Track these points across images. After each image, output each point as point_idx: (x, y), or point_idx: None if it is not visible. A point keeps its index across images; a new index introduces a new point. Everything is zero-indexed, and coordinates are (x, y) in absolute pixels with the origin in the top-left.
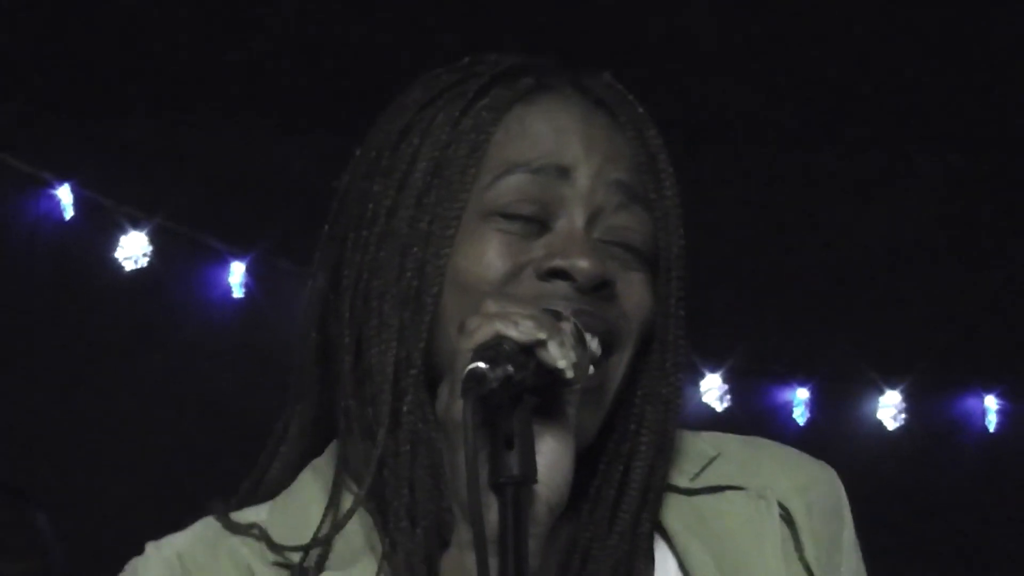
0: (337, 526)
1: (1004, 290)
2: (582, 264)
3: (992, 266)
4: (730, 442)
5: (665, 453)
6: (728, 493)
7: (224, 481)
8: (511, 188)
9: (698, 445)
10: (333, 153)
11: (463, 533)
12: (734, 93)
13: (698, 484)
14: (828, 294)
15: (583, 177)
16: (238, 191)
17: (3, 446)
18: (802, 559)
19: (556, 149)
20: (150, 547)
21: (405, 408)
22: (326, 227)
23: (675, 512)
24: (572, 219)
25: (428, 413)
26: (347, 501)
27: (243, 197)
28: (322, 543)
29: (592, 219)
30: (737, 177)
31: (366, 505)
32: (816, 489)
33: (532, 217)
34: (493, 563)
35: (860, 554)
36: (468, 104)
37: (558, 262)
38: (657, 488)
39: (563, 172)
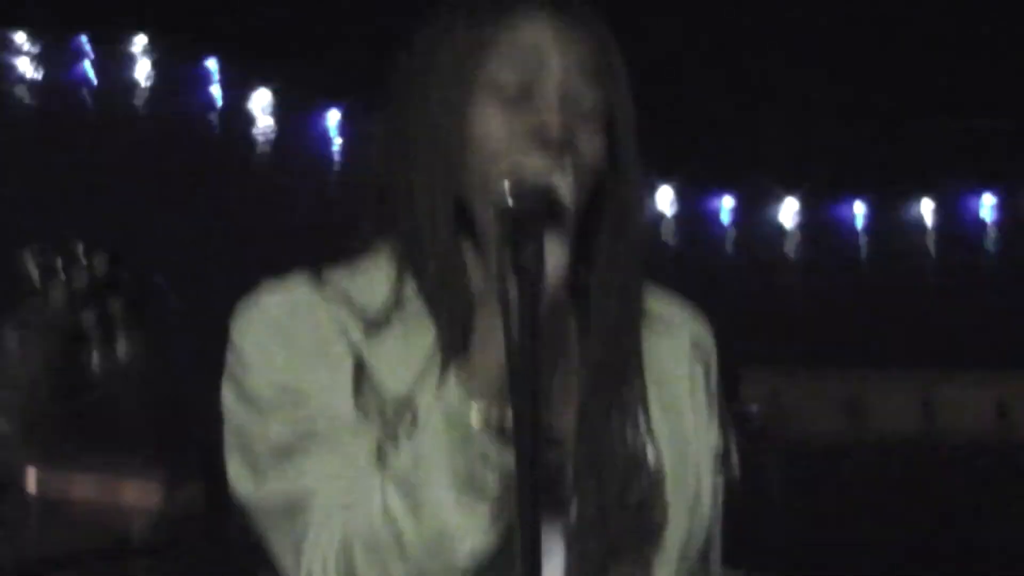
0: (405, 299)
1: (880, 120)
2: (556, 134)
3: (874, 100)
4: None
5: (639, 243)
6: (658, 327)
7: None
8: (502, 69)
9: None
10: (402, 37)
11: (493, 304)
12: None
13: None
14: (749, 128)
15: (553, 61)
16: (334, 61)
17: (156, 248)
18: (707, 387)
19: (536, 44)
20: (266, 285)
21: (441, 220)
22: (385, 103)
23: None
24: (547, 92)
25: (457, 229)
26: (406, 284)
27: (339, 66)
28: (391, 308)
29: (560, 92)
30: (686, 29)
31: (422, 289)
32: (706, 333)
33: (519, 91)
34: (514, 325)
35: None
36: (474, 18)
37: (537, 124)
38: (637, 278)
39: (538, 57)
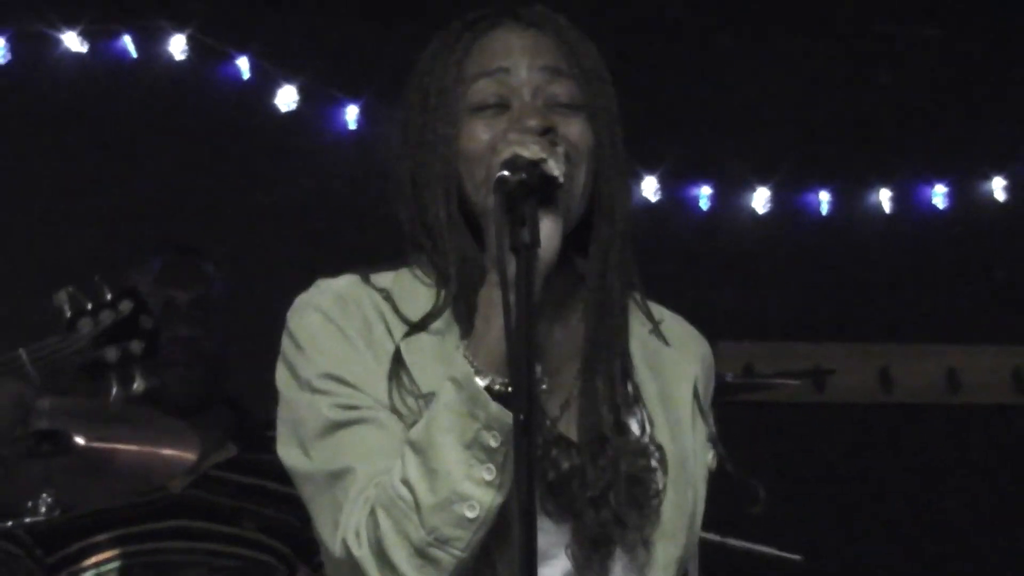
0: (442, 308)
1: (840, 114)
2: (531, 123)
3: (837, 98)
4: (665, 313)
5: (628, 229)
6: (670, 350)
7: (339, 243)
8: (479, 90)
9: (654, 309)
10: (420, 39)
11: (492, 277)
12: None
13: (653, 333)
14: (725, 118)
15: (522, 71)
16: (355, 59)
17: (194, 226)
18: (701, 408)
19: (502, 58)
20: (321, 282)
21: (449, 225)
22: (396, 129)
23: (635, 344)
24: (521, 98)
25: (465, 232)
26: (443, 292)
27: (358, 64)
28: (434, 315)
29: (534, 95)
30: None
31: (449, 293)
32: (708, 360)
33: (497, 104)
34: (511, 297)
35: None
36: (453, 52)
37: (518, 127)
38: (627, 261)
39: (507, 71)
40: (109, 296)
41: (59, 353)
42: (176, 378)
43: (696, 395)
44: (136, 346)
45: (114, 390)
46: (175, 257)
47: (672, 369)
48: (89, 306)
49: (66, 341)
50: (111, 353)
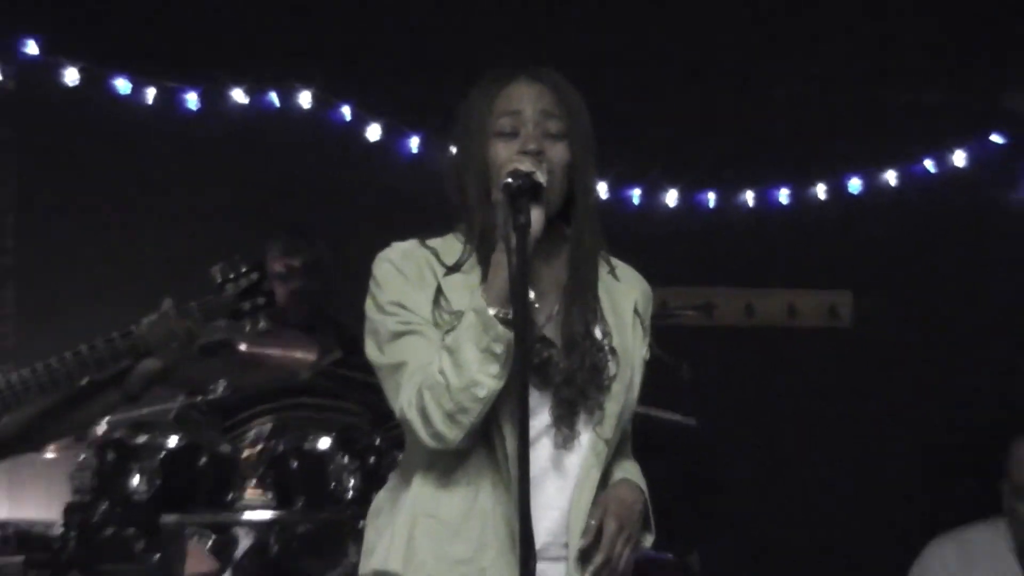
0: (467, 257)
1: (722, 139)
2: (531, 147)
3: (720, 127)
4: (619, 263)
5: (597, 226)
6: (620, 283)
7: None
8: (502, 123)
9: (610, 260)
10: (463, 90)
11: (500, 246)
12: None
13: (610, 274)
14: (650, 142)
15: (528, 111)
16: (418, 105)
17: (316, 217)
18: (642, 324)
19: (517, 103)
20: (394, 244)
21: (480, 204)
22: (449, 146)
23: (600, 282)
24: (527, 130)
25: (489, 211)
26: (469, 248)
27: (419, 109)
28: (462, 262)
29: (535, 127)
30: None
31: (474, 247)
32: (646, 291)
33: (511, 133)
34: (513, 258)
35: (650, 328)
36: (486, 95)
37: (522, 149)
38: (598, 240)
39: (520, 112)
40: (244, 269)
41: (214, 305)
42: (293, 310)
43: (636, 311)
44: (261, 300)
45: (247, 327)
46: (292, 238)
47: (620, 293)
48: (232, 275)
49: (218, 298)
50: (246, 305)
